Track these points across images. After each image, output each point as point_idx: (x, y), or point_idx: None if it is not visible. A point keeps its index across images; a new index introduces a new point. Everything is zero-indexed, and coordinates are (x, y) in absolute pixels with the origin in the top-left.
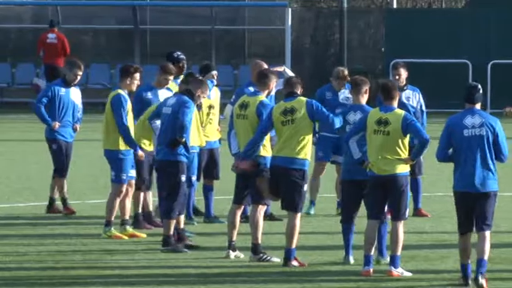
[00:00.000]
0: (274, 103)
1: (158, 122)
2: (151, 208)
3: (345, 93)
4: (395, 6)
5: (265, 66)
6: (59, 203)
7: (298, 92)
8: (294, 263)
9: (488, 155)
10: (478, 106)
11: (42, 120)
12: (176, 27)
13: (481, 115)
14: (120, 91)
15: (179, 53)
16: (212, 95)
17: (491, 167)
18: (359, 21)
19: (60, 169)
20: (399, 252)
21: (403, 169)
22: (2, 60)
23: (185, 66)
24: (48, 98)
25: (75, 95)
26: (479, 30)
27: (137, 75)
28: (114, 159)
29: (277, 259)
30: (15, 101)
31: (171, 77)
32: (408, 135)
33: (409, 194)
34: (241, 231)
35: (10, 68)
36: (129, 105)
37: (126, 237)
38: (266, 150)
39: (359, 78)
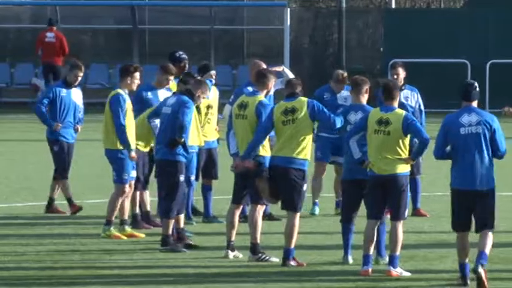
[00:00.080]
0: (273, 103)
1: (157, 121)
2: (148, 208)
3: (343, 94)
4: (393, 6)
5: (264, 66)
6: (58, 203)
7: (299, 93)
8: (293, 263)
9: (485, 152)
10: (474, 104)
11: (43, 122)
12: (175, 27)
13: (477, 113)
14: (119, 91)
15: (181, 53)
16: (211, 95)
17: (489, 164)
18: (357, 21)
19: (62, 170)
20: (398, 252)
21: (404, 169)
22: (0, 60)
23: (187, 66)
24: (50, 99)
25: (76, 95)
26: (477, 30)
27: (137, 75)
28: (115, 159)
29: (276, 259)
30: (14, 101)
31: (172, 77)
32: (409, 136)
33: (408, 193)
34: (240, 231)
35: (9, 68)
36: (129, 105)
37: (124, 237)
38: (265, 150)
39: (359, 78)
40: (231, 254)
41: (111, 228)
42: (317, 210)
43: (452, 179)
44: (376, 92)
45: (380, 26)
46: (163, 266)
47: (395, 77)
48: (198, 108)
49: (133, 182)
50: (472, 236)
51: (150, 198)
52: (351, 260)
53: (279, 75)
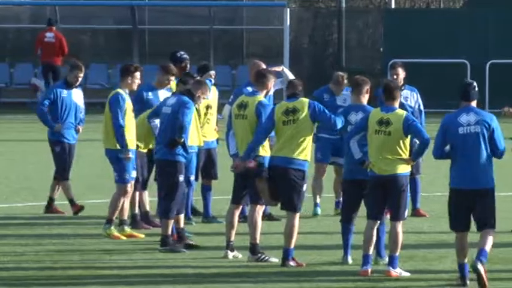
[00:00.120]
0: (273, 103)
1: (157, 121)
2: (148, 208)
3: (342, 95)
4: (393, 6)
5: (264, 66)
6: (57, 203)
7: (300, 93)
8: (292, 263)
9: (484, 152)
10: (473, 103)
11: (45, 123)
12: (174, 27)
13: (476, 112)
14: (119, 90)
15: (182, 53)
16: (210, 95)
17: (488, 164)
18: (357, 21)
19: (62, 171)
20: (398, 252)
21: (404, 169)
22: (0, 60)
23: (188, 66)
24: (51, 101)
25: (77, 96)
26: (477, 30)
27: (138, 74)
28: (116, 159)
29: (275, 259)
30: (13, 101)
31: (173, 78)
32: (409, 136)
33: (408, 194)
34: (240, 231)
35: (8, 68)
36: (129, 105)
37: (124, 238)
38: (265, 150)
39: (360, 78)
40: (231, 254)
41: (112, 227)
42: (319, 211)
43: (451, 178)
44: (376, 92)
45: (380, 26)
46: (162, 266)
47: (395, 77)
48: (196, 109)
49: (133, 183)
50: (472, 236)
51: (150, 198)
52: (350, 260)
53: (278, 75)
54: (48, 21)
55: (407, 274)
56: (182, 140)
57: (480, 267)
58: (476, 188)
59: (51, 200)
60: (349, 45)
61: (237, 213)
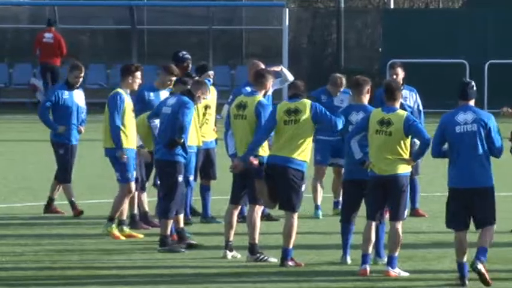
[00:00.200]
0: (272, 103)
1: (157, 121)
2: (147, 208)
3: (339, 96)
4: (392, 6)
5: (262, 66)
6: (57, 204)
7: (302, 94)
8: (291, 263)
9: (481, 150)
10: (471, 103)
11: (47, 126)
12: (173, 27)
13: (474, 111)
14: (119, 90)
15: (184, 53)
16: (209, 95)
17: (485, 162)
18: (356, 21)
19: (65, 174)
20: (397, 252)
21: (404, 169)
22: None
23: (190, 66)
24: (52, 102)
25: (78, 97)
26: (476, 30)
27: (138, 74)
28: (116, 158)
29: (274, 259)
30: (12, 101)
31: (174, 78)
32: (410, 136)
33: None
34: (238, 231)
35: (7, 68)
36: (128, 105)
37: (123, 238)
38: (264, 150)
39: (361, 78)
40: (229, 254)
41: (113, 225)
42: (320, 215)
43: (449, 178)
44: (376, 92)
45: (379, 26)
46: (161, 266)
47: (394, 77)
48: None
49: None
50: (471, 236)
51: (148, 198)
52: (349, 261)
53: (277, 75)
54: (48, 21)
55: (406, 274)
56: (182, 140)
57: (480, 266)
58: (474, 186)
59: (50, 200)
60: (348, 45)
61: (236, 213)
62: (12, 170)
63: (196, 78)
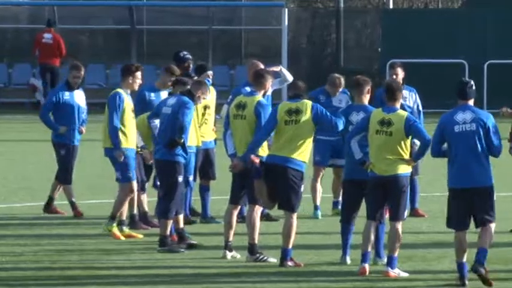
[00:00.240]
0: (271, 103)
1: (157, 122)
2: (146, 208)
3: (338, 96)
4: (391, 6)
5: (262, 66)
6: (57, 204)
7: (303, 95)
8: (290, 263)
9: (480, 150)
10: (470, 102)
11: (48, 127)
12: (173, 27)
13: (472, 111)
14: (118, 90)
15: (185, 53)
16: (208, 95)
17: (484, 161)
18: (355, 21)
19: (66, 175)
20: (396, 252)
21: (405, 170)
22: None
23: (191, 66)
24: (53, 103)
25: (79, 97)
26: (475, 30)
27: (139, 74)
28: (116, 158)
29: (273, 259)
30: (12, 101)
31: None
32: (410, 137)
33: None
34: (238, 231)
35: (7, 68)
36: (128, 104)
37: (122, 238)
38: (263, 150)
39: (362, 78)
40: (229, 255)
41: (114, 224)
42: (319, 215)
43: (449, 178)
44: (376, 92)
45: (378, 26)
46: (161, 266)
47: (394, 77)
48: None
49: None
50: (471, 236)
51: (148, 198)
52: (349, 261)
53: (276, 75)
54: (47, 22)
55: (405, 274)
56: (182, 140)
57: (481, 269)
58: (474, 186)
59: (50, 200)
60: (347, 45)
61: (235, 213)
62: (12, 170)
63: (196, 78)
